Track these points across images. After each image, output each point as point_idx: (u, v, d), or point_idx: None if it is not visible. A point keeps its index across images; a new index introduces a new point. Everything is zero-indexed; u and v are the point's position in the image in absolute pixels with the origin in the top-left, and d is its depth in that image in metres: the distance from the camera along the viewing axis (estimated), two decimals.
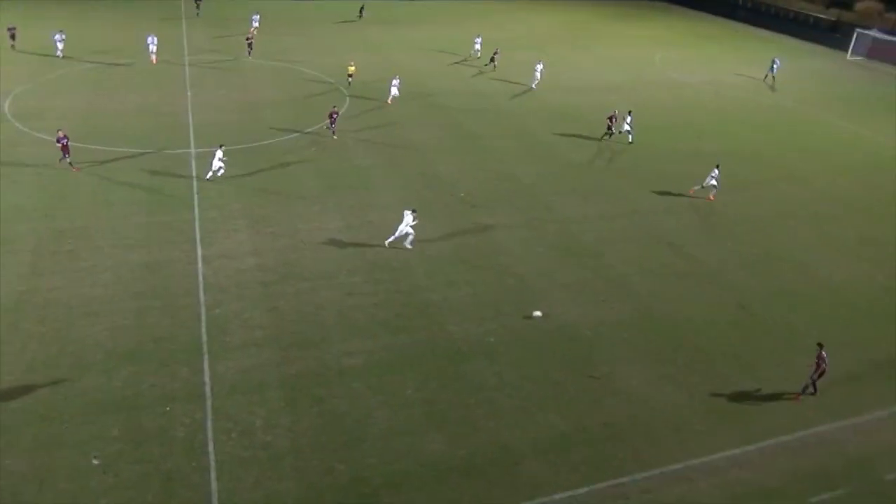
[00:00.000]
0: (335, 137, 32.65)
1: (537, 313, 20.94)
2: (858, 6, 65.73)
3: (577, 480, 15.39)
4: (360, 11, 60.77)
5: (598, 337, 20.30)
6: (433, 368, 18.52)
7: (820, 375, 18.27)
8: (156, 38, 42.44)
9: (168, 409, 16.34)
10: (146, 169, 28.30)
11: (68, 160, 27.41)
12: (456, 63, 48.25)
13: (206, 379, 17.38)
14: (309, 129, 33.86)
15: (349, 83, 40.40)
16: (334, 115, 32.53)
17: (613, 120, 34.92)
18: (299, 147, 31.86)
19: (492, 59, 46.91)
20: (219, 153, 27.56)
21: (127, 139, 31.08)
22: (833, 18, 65.70)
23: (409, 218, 23.57)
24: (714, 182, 29.05)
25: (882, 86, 51.74)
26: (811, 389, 18.49)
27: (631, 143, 34.97)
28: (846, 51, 59.25)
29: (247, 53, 45.31)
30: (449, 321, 20.44)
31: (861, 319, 22.13)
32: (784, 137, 38.47)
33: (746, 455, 16.49)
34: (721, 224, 27.60)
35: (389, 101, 38.48)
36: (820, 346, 18.41)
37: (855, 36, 58.88)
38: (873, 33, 58.08)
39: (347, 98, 38.85)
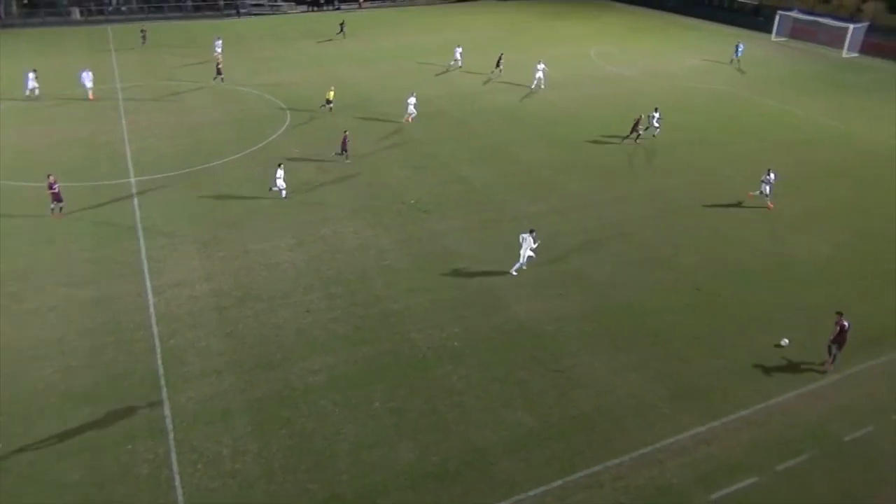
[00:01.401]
0: (348, 161, 31.85)
1: (785, 341, 20.09)
2: None
3: (551, 475, 15.50)
4: (341, 27, 59.61)
5: (559, 331, 20.50)
6: (399, 377, 18.44)
7: (834, 341, 18.70)
8: (91, 73, 40.79)
9: (130, 447, 15.87)
10: (87, 202, 27.49)
11: (60, 206, 26.02)
12: (441, 73, 48.16)
13: (167, 412, 16.95)
14: (253, 149, 33.42)
15: (330, 108, 38.32)
16: (345, 140, 31.60)
17: (640, 123, 35.12)
18: (243, 167, 31.40)
19: (497, 65, 47.33)
20: (280, 172, 27.68)
21: (64, 173, 30.02)
22: (755, 2, 68.00)
23: (529, 241, 22.83)
24: (768, 188, 28.27)
25: (806, 64, 53.68)
26: (829, 357, 18.94)
27: (655, 137, 35.54)
28: (770, 33, 61.27)
29: (216, 78, 44.18)
30: (411, 329, 20.39)
31: (809, 290, 22.86)
32: (722, 120, 39.56)
33: (712, 432, 16.86)
34: (670, 210, 28.19)
35: (410, 120, 37.38)
36: (839, 314, 18.76)
37: (777, 18, 60.93)
38: (794, 14, 60.20)
39: (289, 115, 38.47)
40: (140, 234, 25.24)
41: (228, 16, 68.33)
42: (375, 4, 76.59)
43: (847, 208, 28.67)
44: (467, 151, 33.94)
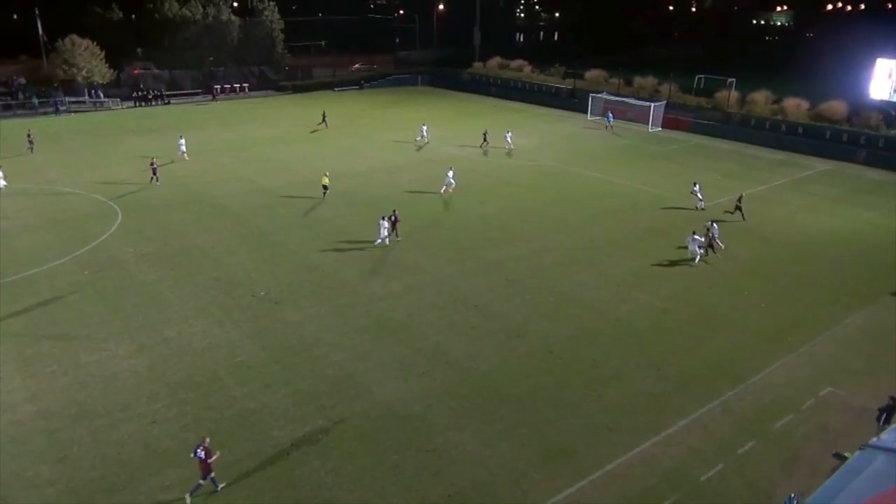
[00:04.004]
0: (399, 239, 33.00)
1: None
2: (588, 75, 75.75)
3: None
4: (323, 117, 60.03)
5: (426, 409, 20.28)
6: (262, 481, 17.22)
7: (710, 245, 31.63)
8: None
9: None
10: None
11: None
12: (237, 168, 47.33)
13: None
14: (79, 252, 30.91)
15: (323, 196, 39.29)
16: (396, 220, 32.81)
17: (741, 200, 37.84)
18: (69, 272, 28.86)
19: (484, 139, 53.42)
20: (384, 223, 31.85)
21: None
22: (570, 87, 74.98)
23: (698, 239, 31.12)
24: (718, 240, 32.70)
25: (619, 139, 59.50)
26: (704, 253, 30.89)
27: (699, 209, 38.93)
28: (586, 112, 67.58)
29: (153, 180, 41.48)
30: (272, 427, 19.27)
31: (649, 342, 24.50)
32: (551, 192, 42.41)
33: (581, 491, 17.20)
34: (516, 280, 29.35)
35: (449, 191, 40.71)
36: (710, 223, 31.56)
37: (590, 100, 67.49)
38: (604, 96, 67.05)
39: (120, 214, 36.22)
40: None
41: (45, 113, 64.10)
42: (201, 99, 75.62)
43: (671, 265, 31.41)
44: (315, 238, 33.60)
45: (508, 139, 53.41)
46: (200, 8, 77.53)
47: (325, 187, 39.53)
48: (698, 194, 39.40)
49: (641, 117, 63.53)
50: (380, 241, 32.13)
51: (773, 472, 18.02)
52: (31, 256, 30.30)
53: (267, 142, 54.34)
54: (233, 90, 78.28)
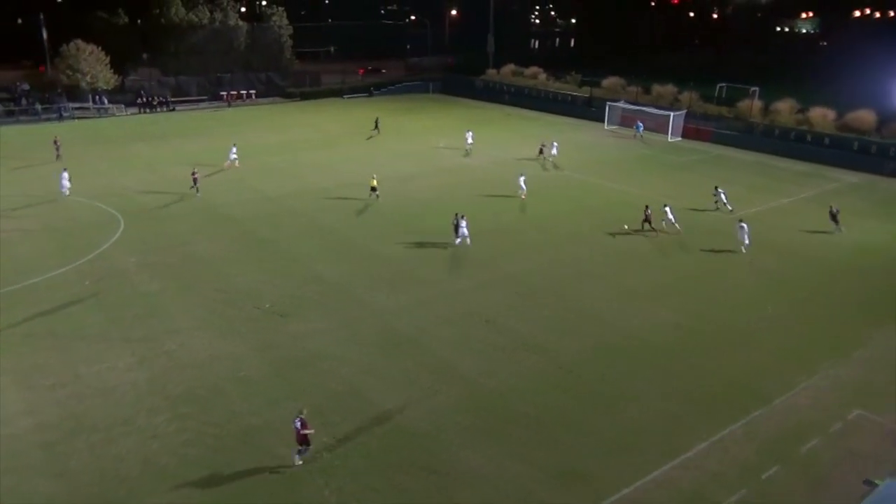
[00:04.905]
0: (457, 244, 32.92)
1: None
2: (605, 83, 74.34)
3: None
4: (376, 124, 60.30)
5: (435, 428, 19.52)
6: (265, 500, 16.59)
7: (646, 221, 33.91)
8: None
9: None
10: None
11: None
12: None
13: None
14: (80, 261, 30.43)
15: (377, 197, 39.70)
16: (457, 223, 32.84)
17: (836, 213, 36.76)
18: (70, 282, 28.38)
19: (541, 152, 52.06)
20: (463, 222, 32.36)
21: None
22: (587, 95, 73.82)
23: (744, 227, 32.66)
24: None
25: (636, 148, 58.46)
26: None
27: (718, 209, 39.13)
28: (603, 121, 66.53)
29: (193, 188, 40.34)
30: (276, 444, 18.57)
31: (667, 359, 23.59)
32: (567, 203, 41.57)
33: None
34: (529, 293, 28.51)
35: (523, 197, 40.97)
36: (646, 206, 34.12)
37: (607, 108, 66.18)
38: (621, 105, 65.82)
39: (122, 223, 35.74)
40: None
41: (48, 120, 63.86)
42: (210, 106, 75.20)
43: (690, 278, 30.48)
44: (321, 248, 33.00)
45: (554, 151, 52.05)
46: (207, 13, 77.18)
47: (373, 188, 39.73)
48: (723, 197, 39.15)
49: (660, 127, 62.09)
50: (459, 240, 32.65)
51: (798, 498, 17.15)
52: (32, 265, 29.89)
53: (273, 149, 53.87)
54: (239, 97, 77.72)
